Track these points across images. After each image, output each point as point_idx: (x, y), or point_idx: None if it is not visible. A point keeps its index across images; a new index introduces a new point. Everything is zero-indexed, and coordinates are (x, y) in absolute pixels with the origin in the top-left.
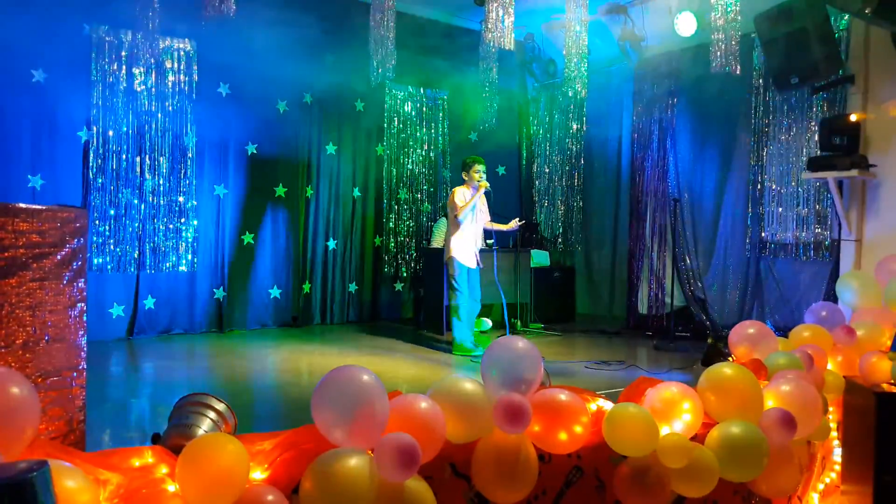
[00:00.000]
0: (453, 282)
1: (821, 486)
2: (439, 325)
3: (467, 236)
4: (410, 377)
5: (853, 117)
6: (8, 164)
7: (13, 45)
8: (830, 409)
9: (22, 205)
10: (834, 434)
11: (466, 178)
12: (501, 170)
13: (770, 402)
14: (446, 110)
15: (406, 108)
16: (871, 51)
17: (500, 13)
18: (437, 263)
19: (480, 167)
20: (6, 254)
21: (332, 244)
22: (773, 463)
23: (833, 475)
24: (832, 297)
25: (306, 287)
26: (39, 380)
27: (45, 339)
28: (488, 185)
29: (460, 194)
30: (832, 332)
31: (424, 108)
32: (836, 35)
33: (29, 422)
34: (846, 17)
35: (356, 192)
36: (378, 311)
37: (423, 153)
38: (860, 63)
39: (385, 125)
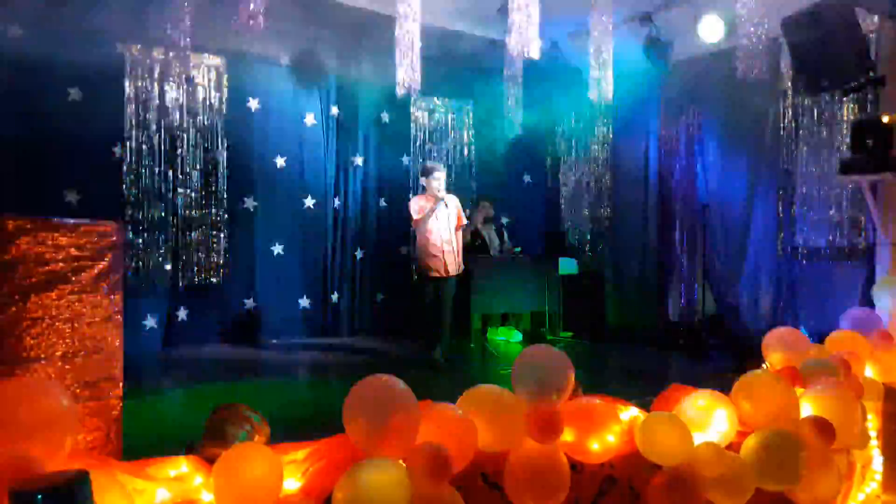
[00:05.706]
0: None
1: (861, 496)
2: (467, 332)
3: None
4: (440, 386)
5: (885, 119)
6: (45, 179)
7: (50, 64)
8: (869, 416)
9: (61, 219)
10: (874, 443)
11: (425, 186)
12: (528, 178)
13: (807, 410)
14: (472, 120)
15: (432, 118)
16: None
17: (524, 23)
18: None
19: (440, 175)
20: (47, 267)
21: (359, 254)
22: (811, 472)
23: (874, 485)
24: (868, 302)
25: (335, 297)
26: (78, 391)
27: (84, 350)
28: (443, 196)
29: (415, 205)
30: (869, 338)
31: (451, 119)
32: (866, 36)
33: (69, 432)
34: (876, 17)
35: (383, 203)
36: (406, 320)
37: (450, 163)
38: (891, 64)
39: (411, 136)
